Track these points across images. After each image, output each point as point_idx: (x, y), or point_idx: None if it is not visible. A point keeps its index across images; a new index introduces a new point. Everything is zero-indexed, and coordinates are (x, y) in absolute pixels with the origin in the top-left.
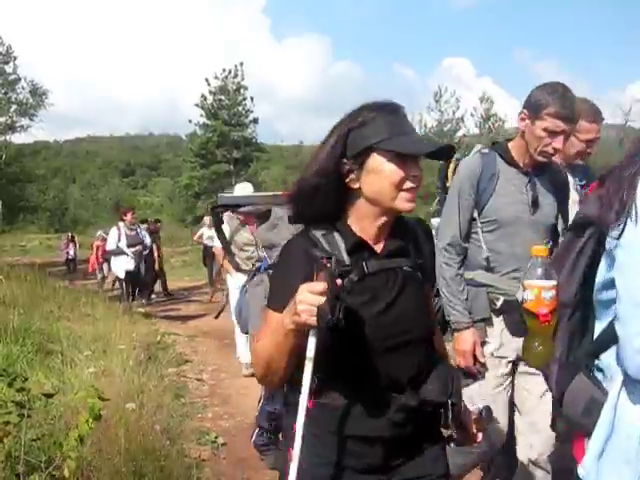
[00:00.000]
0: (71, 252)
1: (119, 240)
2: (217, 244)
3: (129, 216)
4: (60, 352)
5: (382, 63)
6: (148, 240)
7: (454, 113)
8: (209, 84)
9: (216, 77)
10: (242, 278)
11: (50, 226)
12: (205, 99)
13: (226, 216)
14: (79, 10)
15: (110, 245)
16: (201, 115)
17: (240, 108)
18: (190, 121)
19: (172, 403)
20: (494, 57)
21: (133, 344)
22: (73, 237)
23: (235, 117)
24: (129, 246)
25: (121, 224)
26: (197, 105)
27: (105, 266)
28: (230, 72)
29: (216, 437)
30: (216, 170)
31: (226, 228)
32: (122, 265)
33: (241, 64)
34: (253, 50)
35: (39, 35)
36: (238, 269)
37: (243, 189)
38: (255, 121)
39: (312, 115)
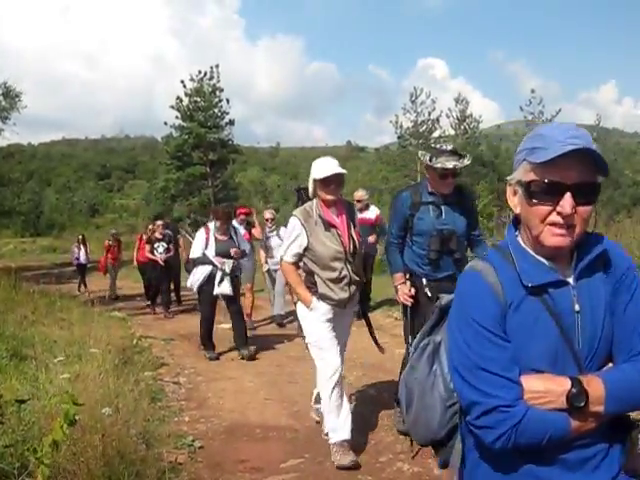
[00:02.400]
0: (82, 257)
1: (206, 247)
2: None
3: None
4: (34, 357)
5: (357, 63)
6: (247, 247)
7: (430, 114)
8: (185, 86)
9: (192, 79)
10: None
11: (25, 230)
12: (181, 101)
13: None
14: (52, 11)
15: (195, 252)
16: (177, 117)
17: (216, 110)
18: (165, 123)
19: (148, 407)
20: (468, 58)
21: (108, 348)
22: (84, 239)
23: (211, 119)
24: (218, 255)
25: (212, 225)
26: (172, 107)
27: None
28: (206, 74)
29: (193, 441)
30: (192, 172)
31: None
32: (202, 281)
33: (217, 66)
34: (228, 51)
35: (10, 35)
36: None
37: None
38: (231, 123)
39: (288, 116)
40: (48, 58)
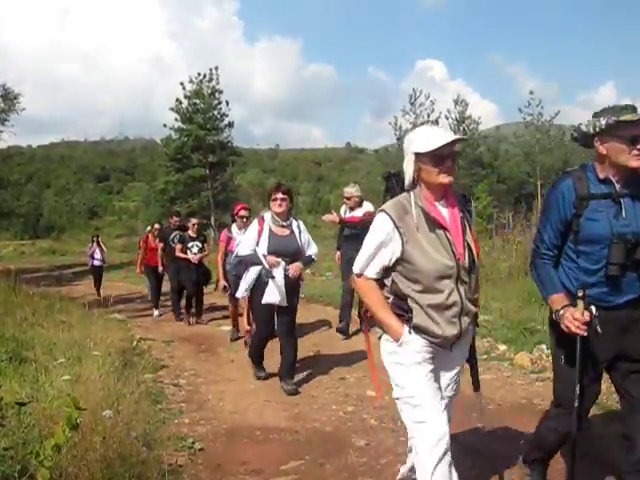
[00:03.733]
0: (97, 258)
1: (257, 242)
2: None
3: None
4: (34, 359)
5: (355, 65)
6: (314, 251)
7: (429, 116)
8: (184, 88)
9: (191, 81)
10: None
11: (24, 232)
12: (180, 103)
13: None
14: (51, 13)
15: (244, 248)
16: (176, 119)
17: (215, 112)
18: (165, 125)
19: (148, 409)
20: (467, 60)
21: (108, 350)
22: (99, 239)
23: (210, 121)
24: (271, 254)
25: (267, 215)
26: (172, 109)
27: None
28: (205, 76)
29: (193, 443)
30: (192, 174)
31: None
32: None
33: (216, 68)
34: (227, 53)
35: (8, 37)
36: None
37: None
38: (230, 125)
39: (286, 118)
40: (47, 60)
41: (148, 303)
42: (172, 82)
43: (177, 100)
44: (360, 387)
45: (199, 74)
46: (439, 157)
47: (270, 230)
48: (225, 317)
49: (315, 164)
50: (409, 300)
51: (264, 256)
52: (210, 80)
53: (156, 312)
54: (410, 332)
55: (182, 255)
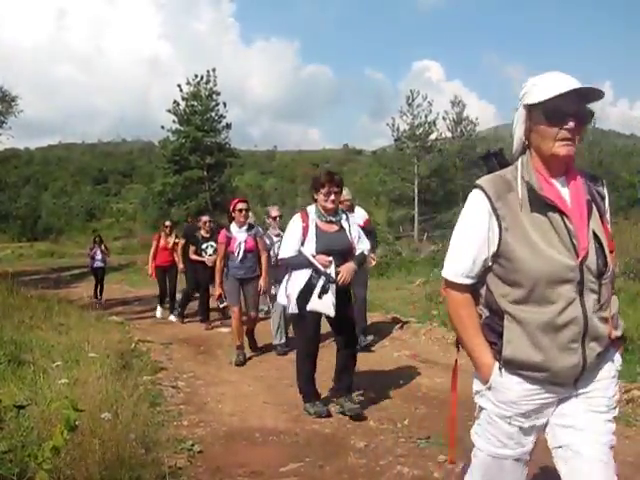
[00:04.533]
0: (98, 259)
1: (302, 242)
2: None
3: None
4: (32, 362)
5: (352, 66)
6: (367, 246)
7: (426, 117)
8: (181, 90)
9: (188, 83)
10: None
11: (22, 235)
12: (178, 105)
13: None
14: (48, 16)
15: (286, 249)
16: (174, 121)
17: (213, 114)
18: (163, 127)
19: (147, 411)
20: (463, 60)
21: (107, 353)
22: (101, 240)
23: (208, 123)
24: (321, 253)
25: (312, 209)
26: (169, 111)
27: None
28: (202, 78)
29: (192, 445)
30: (189, 176)
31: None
32: (298, 293)
33: (213, 70)
34: (223, 55)
35: (5, 39)
36: None
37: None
38: (228, 126)
39: (284, 119)
40: (44, 62)
41: (146, 305)
42: (169, 84)
43: (174, 102)
44: (359, 389)
45: (196, 76)
46: (558, 113)
47: (317, 226)
48: (224, 319)
49: (313, 165)
50: (506, 317)
51: (313, 256)
52: (207, 82)
53: (158, 313)
54: (501, 371)
55: (196, 258)
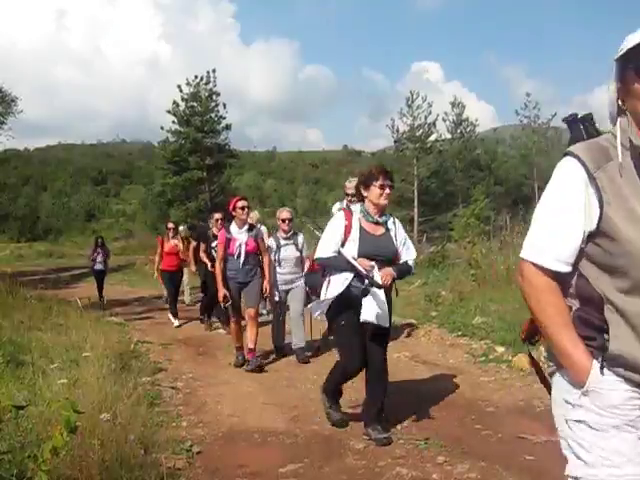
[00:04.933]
0: (99, 261)
1: (342, 243)
2: None
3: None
4: (31, 363)
5: (351, 67)
6: (413, 254)
7: (426, 118)
8: (181, 90)
9: (188, 83)
10: None
11: (21, 235)
12: (177, 106)
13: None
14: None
15: (324, 249)
16: (173, 122)
17: (213, 115)
18: (162, 128)
19: (146, 412)
20: (462, 61)
21: (106, 353)
22: (103, 241)
23: (208, 124)
24: (363, 257)
25: (357, 208)
26: (169, 112)
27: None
28: (202, 79)
29: (191, 446)
30: (189, 177)
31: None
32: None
33: (213, 71)
34: (223, 56)
35: (4, 40)
36: None
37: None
38: (228, 127)
39: (283, 120)
40: (43, 63)
41: (145, 306)
42: (169, 85)
43: (174, 103)
44: (358, 391)
45: (196, 77)
46: None
47: (361, 227)
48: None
49: (312, 167)
50: (607, 307)
51: (354, 259)
52: (207, 83)
53: (175, 322)
54: (603, 370)
55: (203, 258)
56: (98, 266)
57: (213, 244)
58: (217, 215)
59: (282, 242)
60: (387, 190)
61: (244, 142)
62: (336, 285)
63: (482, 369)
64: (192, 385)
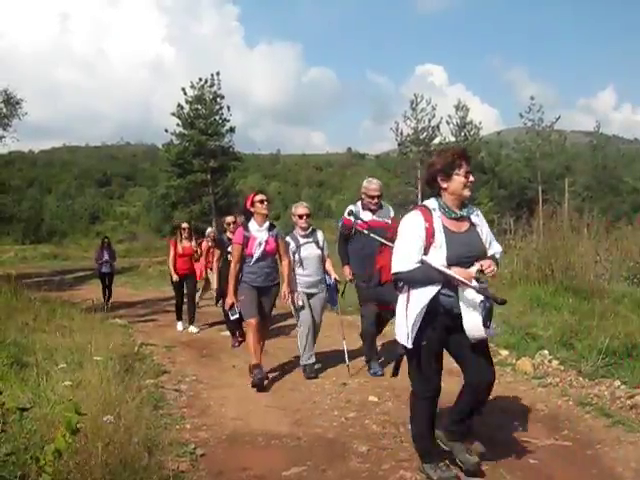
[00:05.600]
0: (105, 262)
1: (425, 250)
2: None
3: None
4: (35, 365)
5: (355, 70)
6: (498, 248)
7: (430, 121)
8: (185, 93)
9: (192, 86)
10: None
11: (25, 237)
12: (182, 108)
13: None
14: (52, 19)
15: (403, 259)
16: (177, 124)
17: (217, 117)
18: (166, 130)
19: (150, 415)
20: (466, 64)
21: (110, 355)
22: (109, 242)
23: (212, 126)
24: (454, 265)
25: (433, 204)
26: (173, 114)
27: None
28: (206, 81)
29: (194, 448)
30: (193, 179)
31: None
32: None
33: (217, 73)
34: (227, 58)
35: (10, 42)
36: None
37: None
38: (232, 130)
39: (287, 123)
40: (48, 65)
41: (149, 308)
42: (172, 87)
43: (179, 105)
44: (362, 393)
45: (200, 79)
46: None
47: (444, 226)
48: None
49: (316, 169)
50: None
51: (446, 267)
52: (212, 85)
53: (180, 325)
54: None
55: (213, 263)
56: (104, 268)
57: (230, 248)
58: (229, 218)
59: (301, 240)
60: (472, 178)
61: (248, 145)
62: (420, 300)
63: None
64: (196, 387)
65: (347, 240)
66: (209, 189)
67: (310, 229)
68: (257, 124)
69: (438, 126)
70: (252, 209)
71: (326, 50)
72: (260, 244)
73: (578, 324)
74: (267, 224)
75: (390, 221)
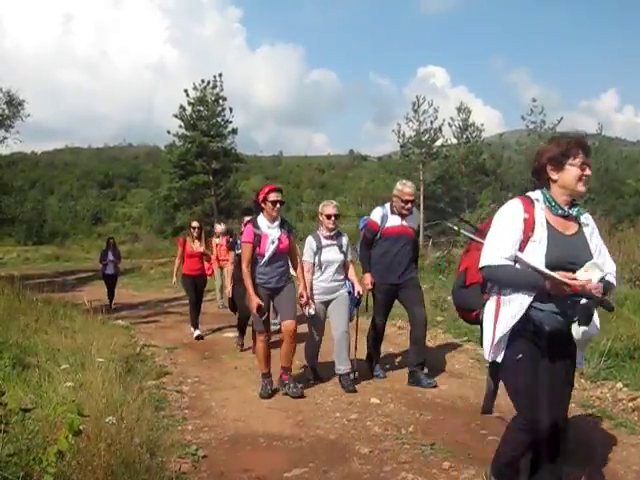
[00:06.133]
0: (110, 263)
1: (521, 246)
2: None
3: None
4: (38, 366)
5: (357, 72)
6: (612, 266)
7: (432, 123)
8: (188, 95)
9: (195, 88)
10: None
11: (28, 238)
12: (184, 110)
13: None
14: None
15: (494, 252)
16: (180, 126)
17: (219, 119)
18: (169, 132)
19: (152, 416)
20: (468, 66)
21: (112, 357)
22: (115, 243)
23: (214, 128)
24: (554, 265)
25: (538, 196)
26: (176, 116)
27: None
28: (209, 83)
29: (196, 450)
30: (195, 181)
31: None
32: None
33: (220, 75)
34: (229, 60)
35: (13, 43)
36: None
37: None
38: (234, 132)
39: (289, 124)
40: (50, 66)
41: (151, 309)
42: (175, 89)
43: (181, 107)
44: (364, 394)
45: (203, 81)
46: None
47: (548, 223)
48: (231, 326)
49: (318, 171)
50: None
51: (543, 268)
52: (214, 87)
53: (196, 331)
54: None
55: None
56: (109, 270)
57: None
58: (247, 219)
59: (324, 242)
60: (588, 171)
61: (250, 146)
62: (512, 310)
63: (483, 374)
64: (198, 389)
65: (370, 245)
66: (211, 191)
67: (335, 231)
68: (259, 126)
69: (440, 128)
70: (263, 205)
71: (328, 52)
72: (273, 242)
73: None
74: (279, 220)
75: (416, 227)
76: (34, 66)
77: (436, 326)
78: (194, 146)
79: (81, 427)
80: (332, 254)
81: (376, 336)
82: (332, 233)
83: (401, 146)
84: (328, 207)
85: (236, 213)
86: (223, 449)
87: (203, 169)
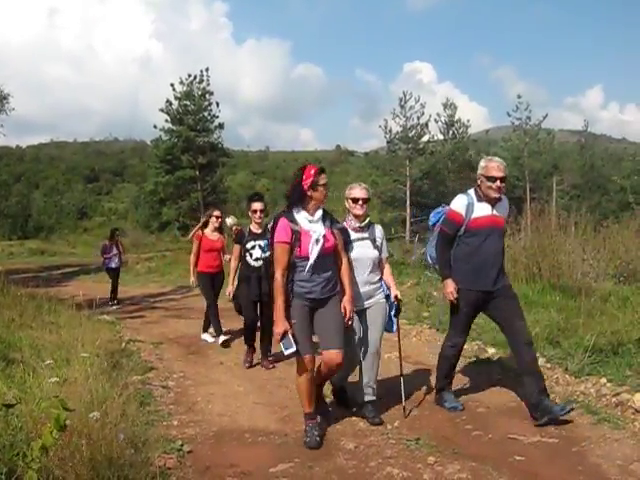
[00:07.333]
0: (114, 258)
1: None
2: None
3: None
4: (22, 361)
5: (343, 67)
6: None
7: (418, 119)
8: (174, 89)
9: (181, 82)
10: None
11: (12, 233)
12: (170, 104)
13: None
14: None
15: None
16: (166, 120)
17: (205, 113)
18: (155, 126)
19: (137, 411)
20: (454, 62)
21: (97, 352)
22: (118, 235)
23: (200, 122)
24: None
25: None
26: (162, 110)
27: None
28: (195, 77)
29: (182, 445)
30: (181, 176)
31: None
32: None
33: (207, 69)
34: (215, 55)
35: None
36: None
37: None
38: (221, 126)
39: (275, 119)
40: (35, 61)
41: (137, 304)
42: (161, 83)
43: (167, 101)
44: (350, 388)
45: (189, 75)
46: None
47: None
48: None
49: None
50: None
51: None
52: (201, 81)
53: (221, 337)
54: None
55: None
56: (113, 263)
57: (248, 245)
58: (256, 205)
59: (353, 235)
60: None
61: (237, 141)
62: None
63: (473, 370)
64: (183, 384)
65: (452, 243)
66: (197, 185)
67: (367, 220)
68: (246, 121)
69: (427, 124)
70: (311, 193)
71: (314, 47)
72: (318, 241)
73: (565, 322)
74: (321, 212)
75: (506, 216)
76: (19, 60)
77: (422, 321)
78: (180, 141)
79: (66, 422)
80: (364, 250)
81: (453, 360)
82: (363, 224)
83: (388, 142)
84: (355, 189)
85: (223, 208)
86: (208, 444)
87: (189, 164)
